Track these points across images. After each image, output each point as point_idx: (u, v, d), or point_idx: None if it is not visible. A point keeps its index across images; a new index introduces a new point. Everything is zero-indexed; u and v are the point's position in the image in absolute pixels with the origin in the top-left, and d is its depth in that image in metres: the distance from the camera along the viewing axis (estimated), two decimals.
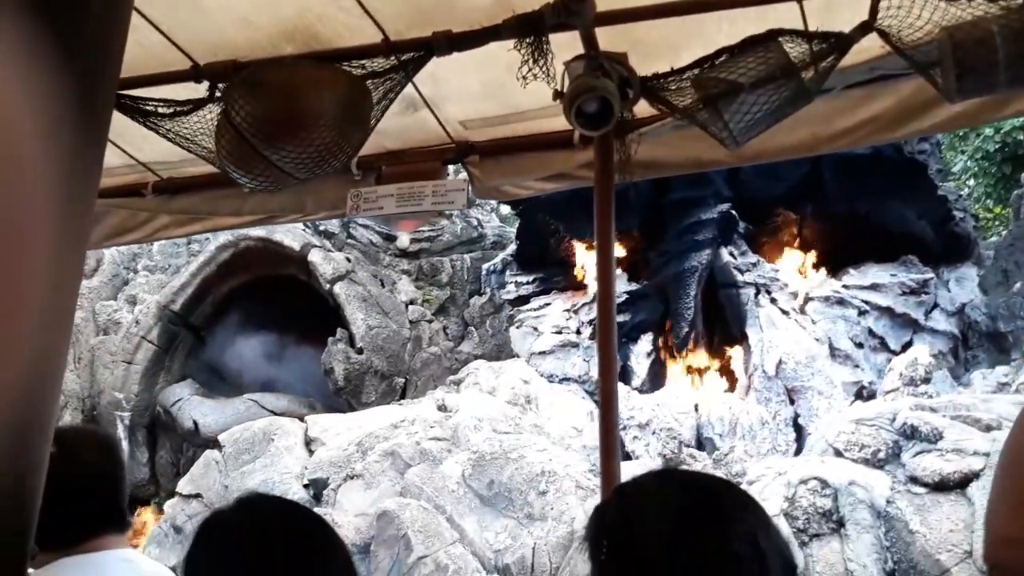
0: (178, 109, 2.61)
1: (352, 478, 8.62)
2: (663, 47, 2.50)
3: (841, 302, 10.13)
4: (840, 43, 2.28)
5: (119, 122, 2.79)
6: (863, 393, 9.60)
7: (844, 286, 10.30)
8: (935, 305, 10.41)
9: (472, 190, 3.06)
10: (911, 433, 7.37)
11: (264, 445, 9.87)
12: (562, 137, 2.89)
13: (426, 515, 7.78)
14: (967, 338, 10.52)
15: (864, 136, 2.65)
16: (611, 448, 2.41)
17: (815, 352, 9.66)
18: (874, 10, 2.23)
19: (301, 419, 10.45)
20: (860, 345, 9.88)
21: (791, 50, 2.29)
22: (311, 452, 9.60)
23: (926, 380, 8.69)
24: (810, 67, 2.30)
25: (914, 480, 7.03)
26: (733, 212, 10.59)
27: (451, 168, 3.09)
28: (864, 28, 2.26)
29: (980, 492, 6.62)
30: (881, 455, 7.36)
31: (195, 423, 11.99)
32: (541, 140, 2.97)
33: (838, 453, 7.57)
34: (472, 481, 8.23)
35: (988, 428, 7.25)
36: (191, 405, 12.51)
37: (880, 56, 2.46)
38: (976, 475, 6.77)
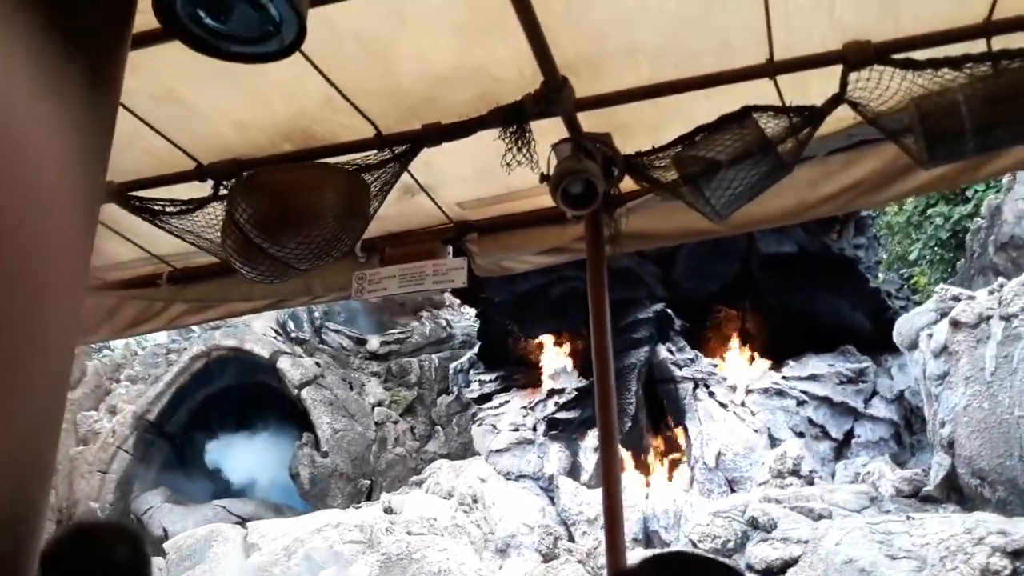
0: (184, 208, 2.74)
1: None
2: (644, 127, 2.59)
3: (780, 393, 10.37)
4: (813, 116, 2.35)
5: (132, 219, 2.92)
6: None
7: (783, 377, 10.52)
8: (874, 393, 10.57)
9: (472, 267, 3.13)
10: (755, 524, 7.95)
11: (205, 551, 10.19)
12: (555, 213, 2.96)
13: None
14: (911, 423, 10.58)
15: (849, 200, 2.69)
16: (615, 527, 2.43)
17: (754, 443, 9.88)
18: (844, 83, 2.31)
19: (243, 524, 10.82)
20: (801, 434, 10.04)
21: (766, 125, 2.36)
22: (248, 557, 9.90)
23: (794, 472, 9.14)
24: (786, 140, 2.37)
25: (750, 568, 7.53)
26: (668, 311, 10.95)
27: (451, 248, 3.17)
28: (835, 100, 2.32)
29: None
30: (731, 545, 7.87)
31: (164, 530, 12.06)
32: (535, 216, 3.05)
33: (693, 544, 8.06)
34: None
35: (819, 517, 7.80)
36: (161, 512, 12.64)
37: (858, 124, 2.52)
38: (795, 561, 7.30)
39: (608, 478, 2.72)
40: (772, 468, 9.20)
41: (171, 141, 2.63)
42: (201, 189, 2.76)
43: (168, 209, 2.79)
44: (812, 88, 2.43)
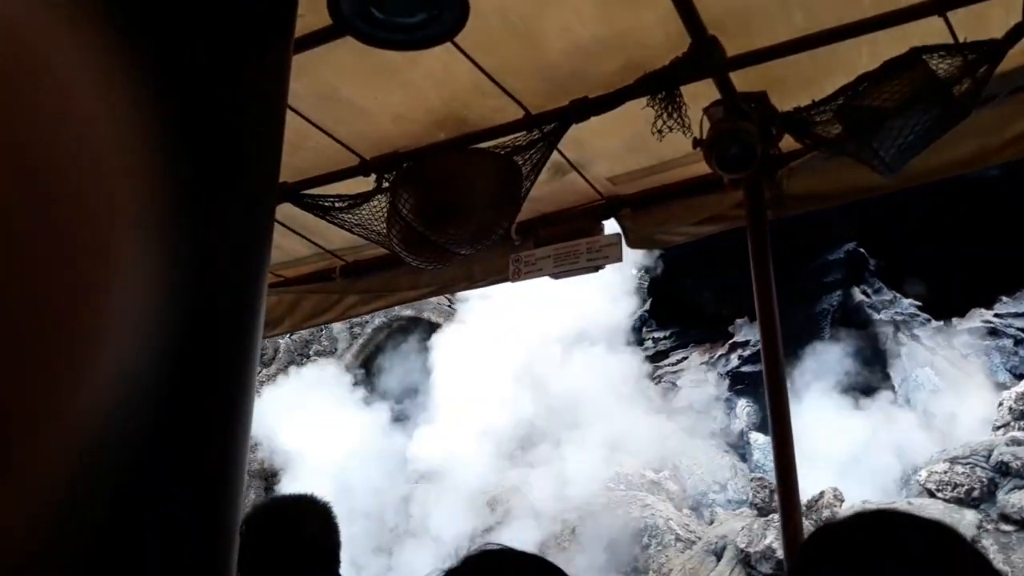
0: (352, 202, 2.90)
1: (487, 531, 9.37)
2: (802, 81, 2.47)
3: (993, 332, 9.45)
4: (991, 51, 2.15)
5: (306, 217, 3.13)
6: None
7: (996, 315, 9.54)
8: None
9: (626, 242, 3.12)
10: (1005, 470, 7.24)
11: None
12: (710, 180, 2.89)
13: None
14: None
15: None
16: (790, 488, 2.35)
17: (966, 386, 9.09)
18: None
19: None
20: (1020, 376, 9.04)
21: (937, 67, 2.20)
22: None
23: None
24: (961, 81, 2.19)
25: (1004, 518, 6.86)
26: (861, 250, 10.18)
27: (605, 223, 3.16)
28: (1018, 31, 2.13)
29: None
30: (976, 494, 7.22)
31: None
32: (690, 186, 2.99)
33: (931, 494, 7.44)
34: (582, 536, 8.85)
35: None
36: None
37: None
38: None
39: (781, 449, 2.64)
40: (1013, 409, 8.34)
41: (335, 138, 2.79)
42: (366, 183, 2.91)
43: (337, 205, 2.96)
44: (989, 21, 2.23)
